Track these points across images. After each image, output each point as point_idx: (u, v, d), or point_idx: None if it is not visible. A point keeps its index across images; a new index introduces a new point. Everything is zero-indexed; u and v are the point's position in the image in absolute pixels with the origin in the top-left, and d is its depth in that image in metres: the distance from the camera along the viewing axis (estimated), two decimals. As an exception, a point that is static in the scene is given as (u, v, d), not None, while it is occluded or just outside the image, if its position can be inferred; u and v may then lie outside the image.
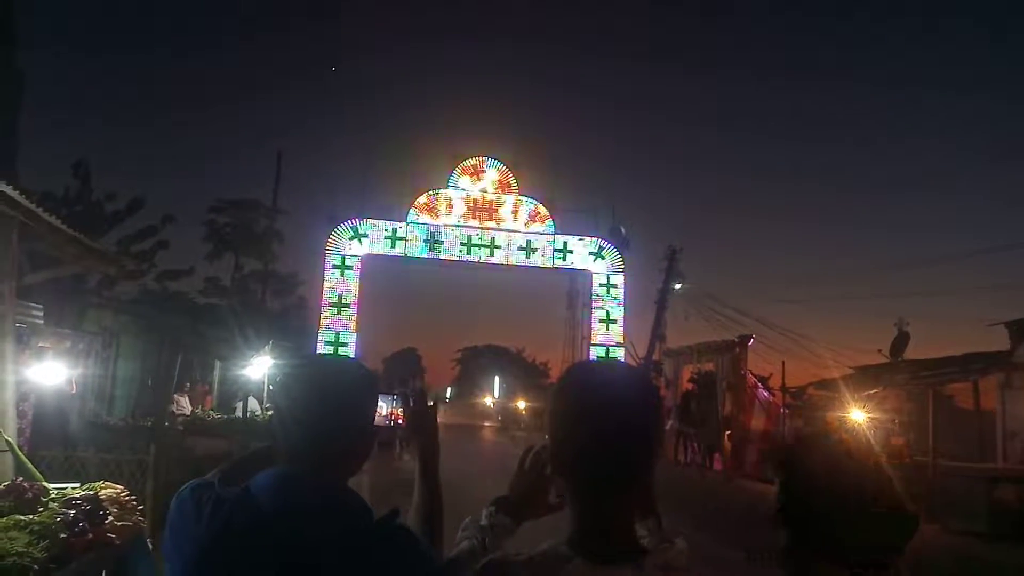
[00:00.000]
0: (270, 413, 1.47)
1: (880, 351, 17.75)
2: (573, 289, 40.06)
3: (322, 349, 24.46)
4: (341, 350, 24.34)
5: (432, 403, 1.76)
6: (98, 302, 12.16)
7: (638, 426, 1.22)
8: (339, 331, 24.90)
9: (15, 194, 4.05)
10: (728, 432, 20.16)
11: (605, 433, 1.19)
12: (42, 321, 5.87)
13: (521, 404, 38.09)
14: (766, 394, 20.33)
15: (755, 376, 21.81)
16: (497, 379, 52.77)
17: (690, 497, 13.44)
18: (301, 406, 1.38)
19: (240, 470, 1.63)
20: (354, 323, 25.10)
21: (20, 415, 6.08)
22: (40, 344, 5.98)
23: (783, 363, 20.44)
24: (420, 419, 1.72)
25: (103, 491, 4.94)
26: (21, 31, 9.22)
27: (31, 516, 4.04)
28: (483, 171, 27.63)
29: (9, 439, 4.98)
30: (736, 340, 20.91)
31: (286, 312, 30.53)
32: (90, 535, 4.31)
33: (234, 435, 12.14)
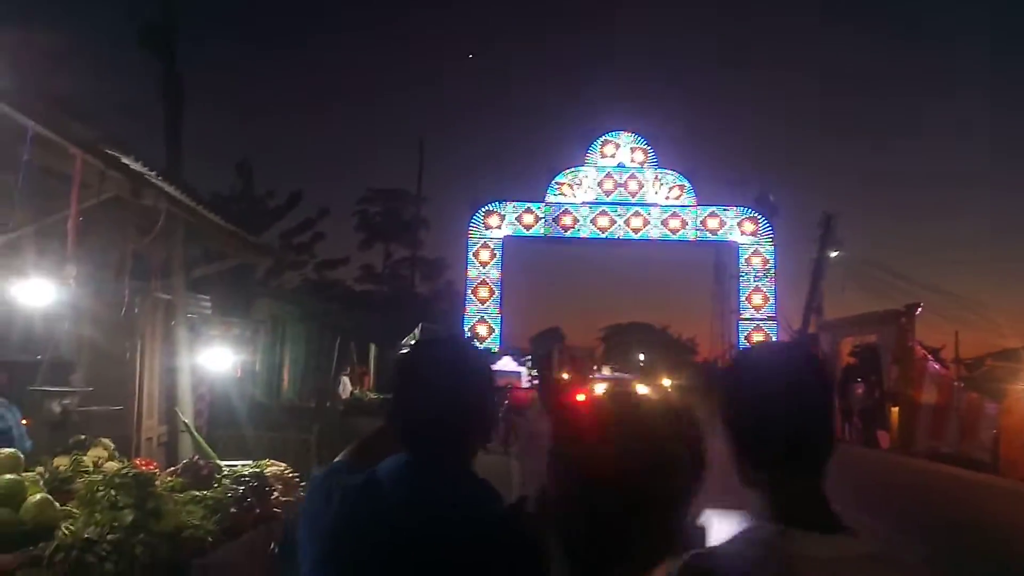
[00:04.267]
0: (389, 396, 1.44)
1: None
2: (720, 262, 38.84)
3: (469, 331, 25.18)
4: (488, 331, 24.95)
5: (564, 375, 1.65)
6: (264, 292, 13.03)
7: (818, 402, 1.22)
8: (485, 312, 25.50)
9: (178, 193, 4.38)
10: (895, 407, 18.88)
11: (791, 411, 1.17)
12: (210, 311, 6.34)
13: (666, 382, 36.98)
14: (937, 367, 18.82)
15: (924, 348, 20.25)
16: (642, 356, 51.95)
17: (852, 475, 12.70)
18: (418, 389, 1.35)
19: (368, 450, 1.64)
20: (498, 304, 25.60)
21: (199, 398, 6.63)
22: (211, 332, 6.47)
23: (956, 333, 18.85)
24: (552, 388, 1.63)
25: (269, 469, 5.28)
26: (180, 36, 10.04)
27: (205, 492, 4.36)
28: (620, 146, 27.21)
29: (187, 421, 5.42)
30: (902, 309, 19.46)
31: (435, 296, 31.54)
32: (257, 510, 4.61)
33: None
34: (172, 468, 5.01)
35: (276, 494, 5.04)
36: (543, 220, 26.08)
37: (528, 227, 26.27)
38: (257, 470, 5.10)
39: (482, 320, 25.31)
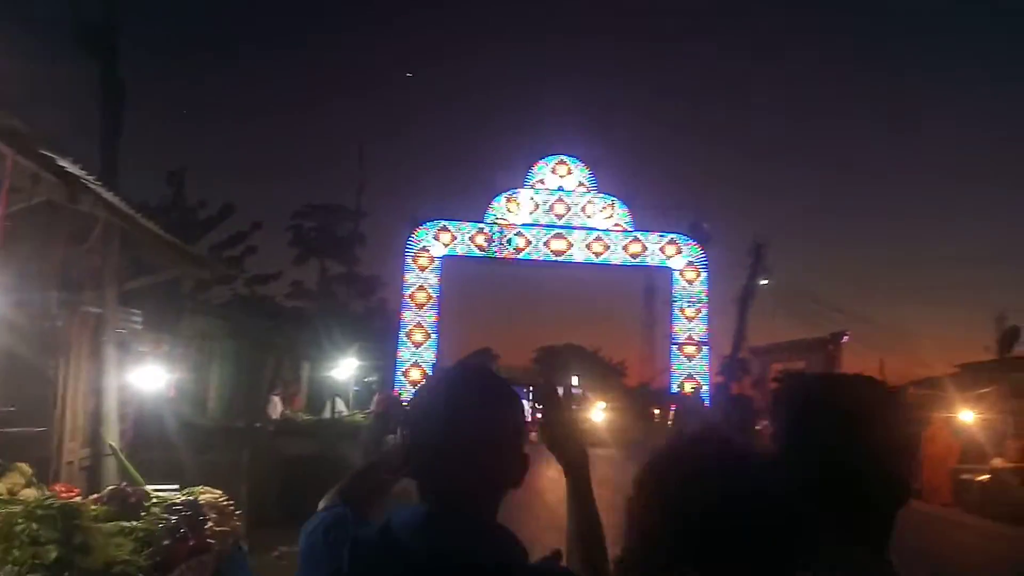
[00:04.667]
0: (401, 438, 1.26)
1: (988, 348, 16.72)
2: (650, 286, 39.13)
3: (403, 351, 24.77)
4: (424, 336, 24.67)
5: (573, 399, 1.52)
6: (192, 307, 12.50)
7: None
8: (422, 317, 25.18)
9: (116, 200, 4.08)
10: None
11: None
12: (141, 326, 5.98)
13: (601, 404, 36.20)
14: (861, 394, 19.45)
15: (849, 375, 20.89)
16: (575, 379, 52.04)
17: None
18: (441, 428, 1.18)
19: (360, 488, 1.47)
20: (435, 310, 25.35)
21: (122, 419, 6.22)
22: (140, 349, 6.09)
23: (881, 361, 19.56)
24: (562, 423, 1.48)
25: (202, 496, 4.96)
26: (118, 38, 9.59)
27: (135, 523, 4.05)
28: (560, 169, 27.39)
29: (112, 443, 5.06)
30: (828, 337, 20.08)
31: (369, 314, 31.01)
32: (191, 541, 4.30)
33: (322, 436, 12.31)
34: (96, 495, 4.65)
35: (210, 524, 4.74)
36: (481, 240, 26.10)
37: (466, 246, 26.25)
38: (190, 498, 4.79)
39: (419, 325, 25.12)
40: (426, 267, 25.37)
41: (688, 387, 25.31)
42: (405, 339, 24.74)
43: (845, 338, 19.91)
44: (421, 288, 25.28)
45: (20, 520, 3.17)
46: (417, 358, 24.69)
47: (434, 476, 1.17)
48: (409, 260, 25.26)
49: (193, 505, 4.65)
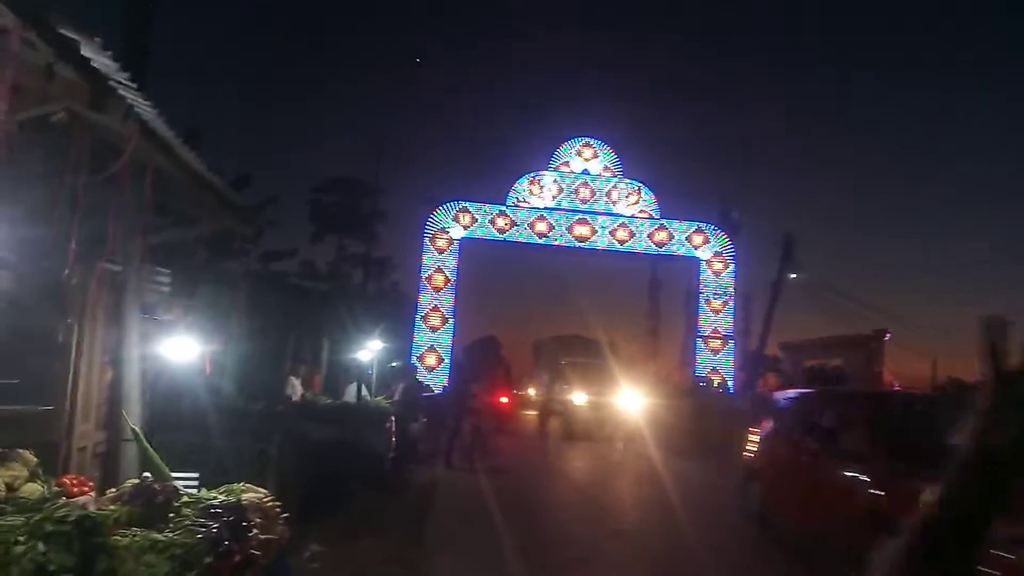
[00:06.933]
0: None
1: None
2: (654, 279, 38.05)
3: (419, 334, 23.93)
4: (442, 320, 23.84)
5: None
6: (209, 277, 11.58)
7: None
8: (440, 301, 24.34)
9: (155, 116, 3.09)
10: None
11: None
12: (169, 289, 5.04)
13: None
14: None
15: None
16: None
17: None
18: None
19: None
20: (453, 293, 24.51)
21: (142, 396, 5.30)
22: (165, 316, 5.16)
23: (934, 360, 18.71)
24: None
25: (244, 495, 4.05)
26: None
27: (168, 534, 3.13)
28: (585, 152, 26.38)
29: (135, 428, 4.14)
30: (871, 334, 19.10)
31: (382, 296, 30.13)
32: (236, 556, 3.39)
33: (347, 422, 11.43)
34: (115, 491, 3.74)
35: (255, 531, 3.82)
36: (501, 223, 25.25)
37: (485, 229, 25.40)
38: (232, 500, 3.86)
39: (436, 309, 24.36)
40: (444, 249, 24.54)
41: (716, 380, 24.44)
42: (421, 323, 24.03)
43: (887, 336, 18.92)
44: (439, 270, 24.46)
45: (21, 537, 2.25)
46: (434, 342, 23.98)
47: None
48: (427, 241, 24.44)
49: (235, 509, 3.73)
